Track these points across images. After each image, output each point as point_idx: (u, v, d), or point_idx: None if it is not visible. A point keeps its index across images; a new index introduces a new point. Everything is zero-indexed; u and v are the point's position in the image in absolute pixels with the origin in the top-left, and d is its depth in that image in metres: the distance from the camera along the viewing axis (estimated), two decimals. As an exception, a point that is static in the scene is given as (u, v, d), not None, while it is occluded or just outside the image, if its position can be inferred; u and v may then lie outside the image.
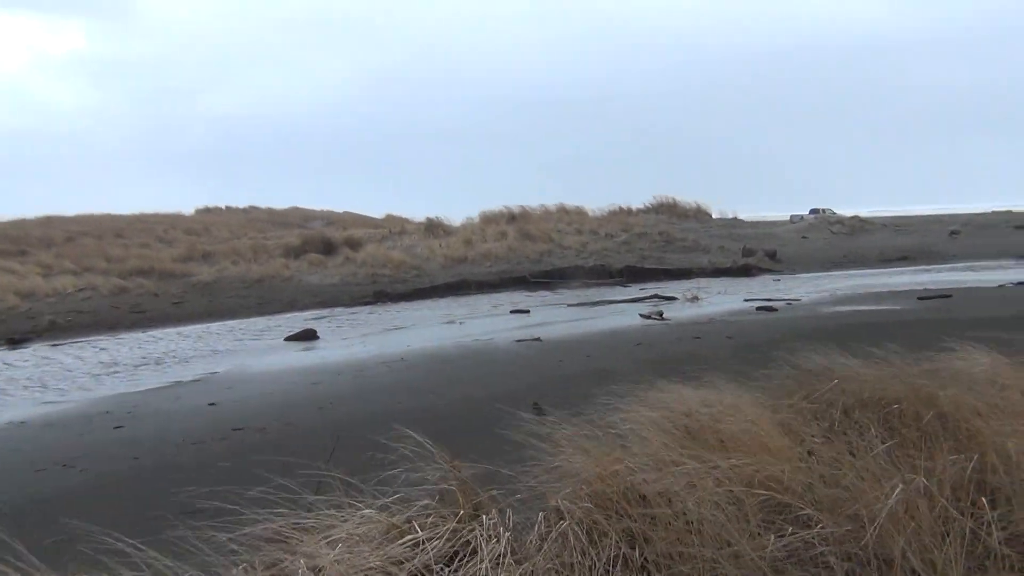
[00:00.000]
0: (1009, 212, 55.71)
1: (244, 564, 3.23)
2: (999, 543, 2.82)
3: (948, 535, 2.83)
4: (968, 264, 28.97)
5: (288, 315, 22.05)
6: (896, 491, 2.86)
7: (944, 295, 17.77)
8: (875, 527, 2.74)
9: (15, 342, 18.82)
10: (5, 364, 15.69)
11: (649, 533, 2.92)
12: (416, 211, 61.43)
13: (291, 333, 17.40)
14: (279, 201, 61.94)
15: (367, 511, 3.27)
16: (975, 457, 3.35)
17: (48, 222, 43.27)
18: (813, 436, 3.74)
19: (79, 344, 18.17)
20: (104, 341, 18.48)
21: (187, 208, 54.09)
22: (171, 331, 19.77)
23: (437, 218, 39.20)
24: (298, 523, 3.37)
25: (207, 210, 54.73)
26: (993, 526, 2.89)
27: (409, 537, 3.04)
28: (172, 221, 46.08)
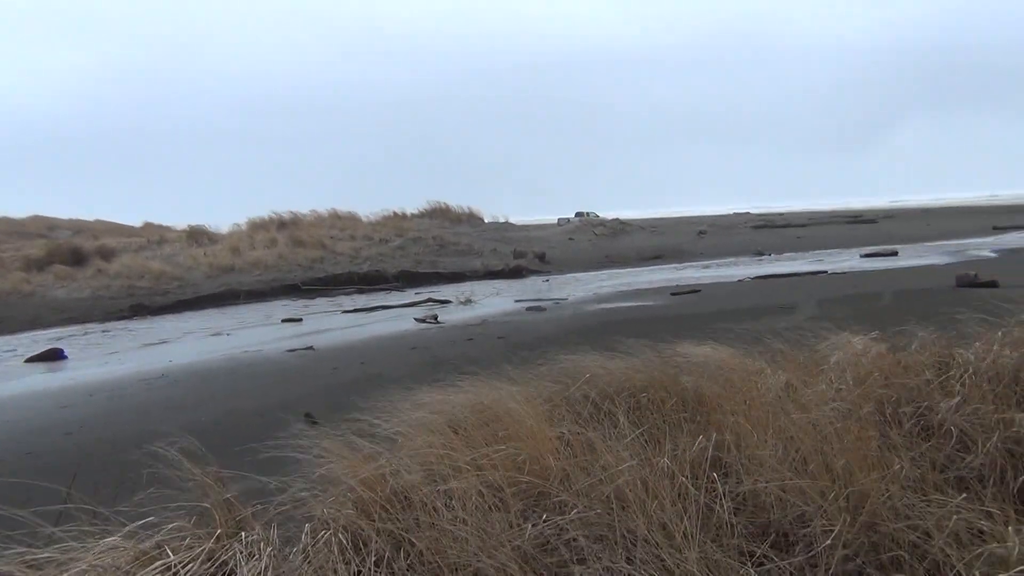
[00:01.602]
0: (747, 214, 61.84)
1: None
2: (728, 513, 3.11)
3: (687, 510, 3.08)
4: (714, 261, 31.76)
5: (29, 334, 20.02)
6: (636, 471, 3.08)
7: (694, 290, 19.37)
8: (622, 507, 2.93)
9: None
10: None
11: (413, 535, 2.95)
12: (178, 219, 58.06)
13: (33, 354, 15.79)
14: (17, 209, 56.05)
15: (112, 539, 3.05)
16: (712, 437, 3.67)
17: None
18: (570, 427, 3.94)
19: None
20: None
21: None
22: None
23: (201, 226, 37.25)
24: (34, 559, 3.07)
25: (-73, 219, 48.53)
26: (724, 499, 3.18)
27: (160, 563, 2.87)
28: None
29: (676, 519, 2.97)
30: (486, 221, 46.56)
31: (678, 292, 19.22)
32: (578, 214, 54.35)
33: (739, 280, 22.24)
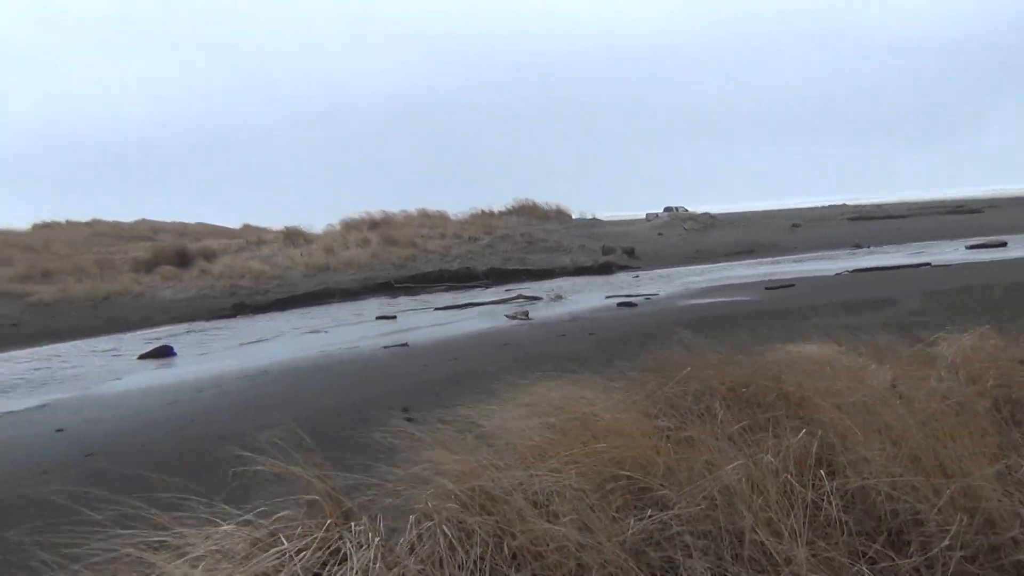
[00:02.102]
0: (843, 205, 59.86)
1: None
2: (837, 511, 3.04)
3: (793, 507, 3.02)
4: (808, 255, 30.92)
5: (141, 332, 21.01)
6: (743, 469, 3.04)
7: (788, 285, 18.90)
8: (727, 504, 2.90)
9: None
10: None
11: (515, 527, 2.98)
12: (274, 220, 59.86)
13: (145, 351, 16.58)
14: (125, 214, 58.74)
15: (227, 527, 3.18)
16: (818, 434, 3.59)
17: None
18: (670, 423, 3.91)
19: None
20: (-68, 370, 17.02)
21: (21, 223, 50.51)
22: (10, 355, 18.44)
23: (297, 227, 38.31)
24: (155, 544, 3.24)
25: (45, 225, 51.28)
26: (832, 496, 3.11)
27: (275, 550, 2.98)
28: (4, 238, 42.91)
29: (783, 516, 2.93)
30: (573, 217, 46.47)
31: (772, 287, 18.79)
32: (667, 209, 53.64)
33: (836, 274, 21.59)
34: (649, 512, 2.95)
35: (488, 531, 2.99)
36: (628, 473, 3.18)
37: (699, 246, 36.28)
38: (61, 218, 53.46)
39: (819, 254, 30.74)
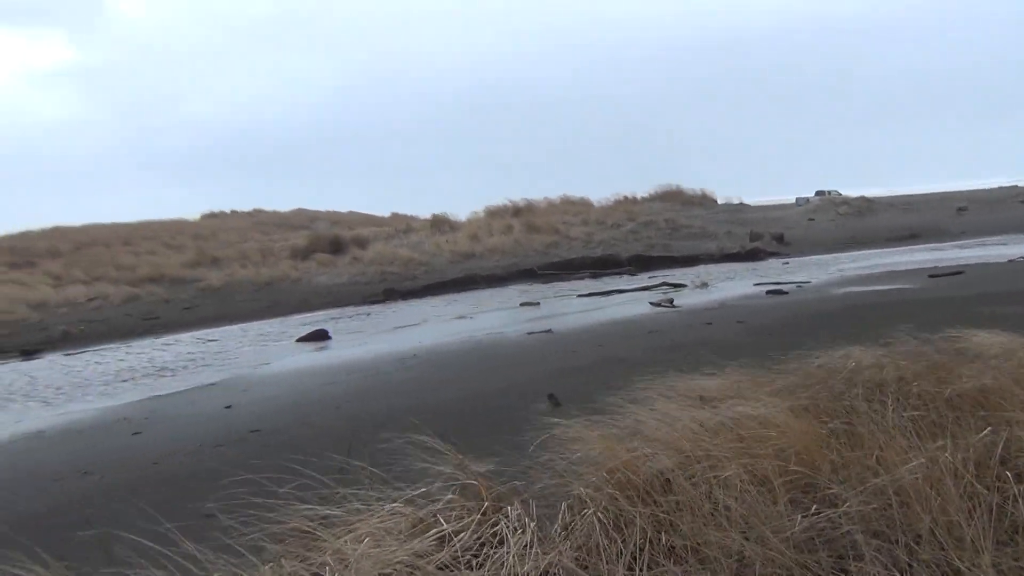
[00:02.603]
0: (1015, 187, 55.36)
1: (272, 561, 3.25)
2: (1025, 516, 2.82)
3: (975, 510, 2.82)
4: (977, 240, 28.87)
5: (299, 316, 22.11)
6: (920, 468, 2.87)
7: (955, 272, 17.72)
8: (901, 503, 2.74)
9: (28, 353, 18.93)
10: (20, 375, 15.79)
11: (675, 519, 2.93)
12: (420, 209, 61.51)
13: (303, 334, 17.45)
14: (283, 204, 61.96)
15: (393, 505, 3.29)
16: (1003, 432, 3.34)
17: (54, 233, 43.37)
18: (834, 417, 3.74)
19: (93, 353, 18.26)
20: (118, 349, 18.57)
21: (191, 214, 54.21)
22: (184, 336, 19.85)
23: (442, 214, 39.22)
24: (324, 518, 3.39)
25: (212, 215, 54.79)
26: (1020, 500, 2.89)
27: (435, 531, 3.06)
28: (178, 227, 46.15)
29: (963, 519, 2.74)
30: (719, 203, 45.33)
31: (937, 274, 17.67)
32: (818, 193, 51.35)
33: (1009, 260, 20.05)
34: (815, 508, 2.84)
35: (646, 520, 2.95)
36: (796, 468, 3.06)
37: (854, 232, 34.57)
38: (226, 208, 57.01)
39: (989, 239, 28.65)
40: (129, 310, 24.21)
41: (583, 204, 42.73)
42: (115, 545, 3.23)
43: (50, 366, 16.80)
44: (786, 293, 17.13)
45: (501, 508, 3.35)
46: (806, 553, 2.67)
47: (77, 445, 9.17)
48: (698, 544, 2.82)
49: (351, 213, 58.79)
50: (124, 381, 13.89)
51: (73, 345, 19.73)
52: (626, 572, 2.79)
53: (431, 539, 3.02)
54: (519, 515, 3.21)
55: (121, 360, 16.62)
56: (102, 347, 19.11)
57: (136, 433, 9.24)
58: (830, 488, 2.95)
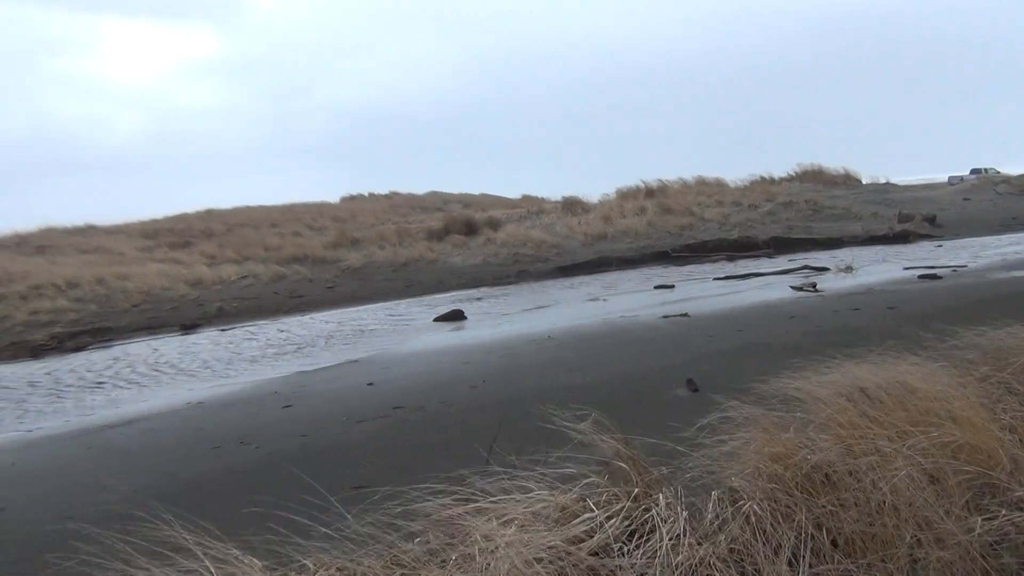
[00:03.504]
0: None
1: (419, 539, 3.31)
2: None
3: None
4: None
5: (435, 296, 22.60)
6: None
7: None
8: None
9: (187, 328, 20.23)
10: (181, 349, 16.88)
11: (839, 514, 2.79)
12: (551, 190, 61.51)
13: (439, 314, 17.81)
14: (418, 186, 63.46)
15: (540, 492, 3.29)
16: None
17: (208, 215, 46.02)
18: (1010, 411, 3.48)
19: (245, 328, 19.30)
20: (267, 325, 19.55)
21: (332, 196, 56.32)
22: (327, 314, 20.67)
23: (574, 196, 39.10)
24: (470, 499, 3.42)
25: (351, 198, 56.73)
26: None
27: (585, 516, 3.03)
28: (319, 210, 48.07)
29: None
30: (864, 183, 43.10)
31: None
32: (973, 171, 48.05)
33: None
34: (1003, 512, 2.64)
35: (807, 517, 2.83)
36: (972, 467, 2.86)
37: (1017, 212, 32.16)
38: (364, 191, 58.94)
39: None
40: (276, 288, 25.41)
41: (718, 185, 41.60)
42: (271, 512, 3.37)
43: (207, 340, 17.87)
44: (940, 278, 16.14)
45: (650, 495, 3.29)
46: (989, 559, 2.49)
47: (233, 415, 9.70)
48: (865, 544, 2.68)
49: (483, 195, 59.58)
50: (273, 356, 14.61)
51: (227, 321, 20.92)
52: (787, 569, 2.69)
53: (580, 525, 3.00)
54: (669, 503, 3.15)
55: (269, 336, 17.49)
56: (252, 323, 20.17)
57: (286, 406, 9.69)
58: (1015, 490, 2.74)
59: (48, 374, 15.41)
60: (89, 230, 39.76)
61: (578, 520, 3.04)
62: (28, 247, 34.20)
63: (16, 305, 22.70)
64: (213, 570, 2.84)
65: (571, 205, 37.82)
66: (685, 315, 13.91)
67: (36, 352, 18.22)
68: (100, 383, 13.74)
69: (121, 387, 13.14)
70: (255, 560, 3.05)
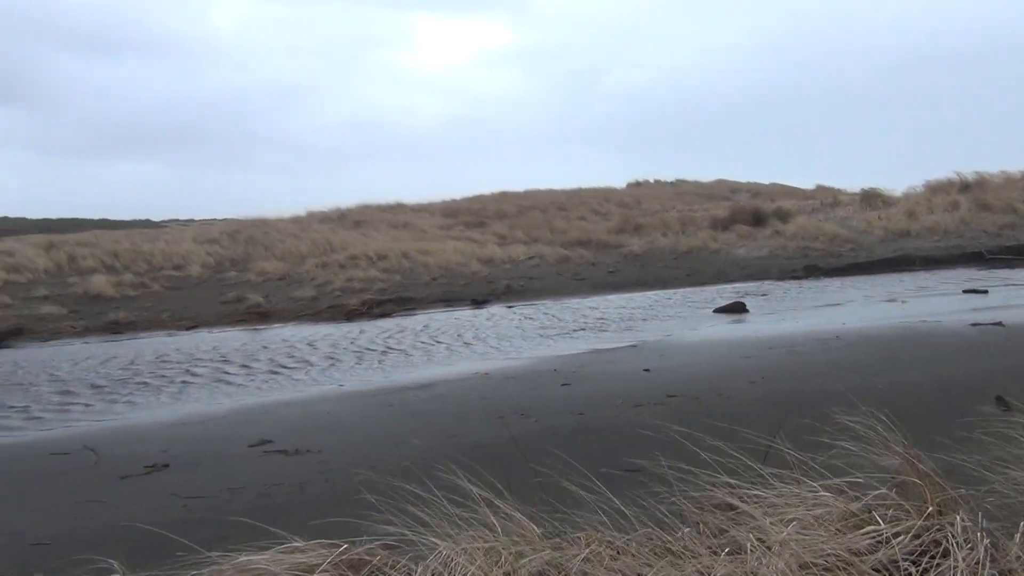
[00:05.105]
0: None
1: (691, 527, 3.34)
2: None
3: None
4: None
5: (716, 287, 22.19)
6: None
7: None
8: None
9: (478, 303, 21.68)
10: (471, 322, 18.09)
11: None
12: (849, 181, 57.73)
13: (720, 305, 17.49)
14: (704, 174, 62.29)
15: (822, 493, 3.17)
16: None
17: (502, 197, 48.54)
18: None
19: (529, 307, 20.25)
20: (550, 305, 20.35)
21: (619, 182, 56.95)
22: (607, 298, 21.10)
23: (874, 188, 36.39)
24: (747, 493, 3.38)
25: (637, 184, 57.03)
26: None
27: (870, 528, 2.89)
28: (605, 195, 48.84)
29: None
30: None
31: None
32: None
33: None
34: None
35: None
36: None
37: None
38: (650, 177, 59.01)
39: None
40: (560, 270, 26.34)
41: (1052, 179, 36.58)
42: (546, 483, 3.56)
43: (494, 316, 18.99)
44: None
45: (944, 516, 3.05)
46: None
47: (515, 388, 10.26)
48: None
49: (773, 184, 57.24)
50: (554, 335, 15.20)
51: (513, 298, 22.08)
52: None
53: (864, 537, 2.86)
54: (966, 528, 2.90)
55: (552, 316, 18.21)
56: (537, 302, 21.11)
57: (565, 384, 10.07)
58: None
59: (359, 335, 17.22)
60: (398, 207, 43.62)
61: (862, 531, 2.90)
62: (347, 221, 38.23)
63: (335, 273, 25.59)
64: (499, 527, 3.08)
65: (870, 198, 35.27)
66: (999, 324, 12.47)
67: (350, 316, 20.42)
68: (399, 348, 15.12)
69: (416, 353, 14.36)
70: (534, 527, 3.25)
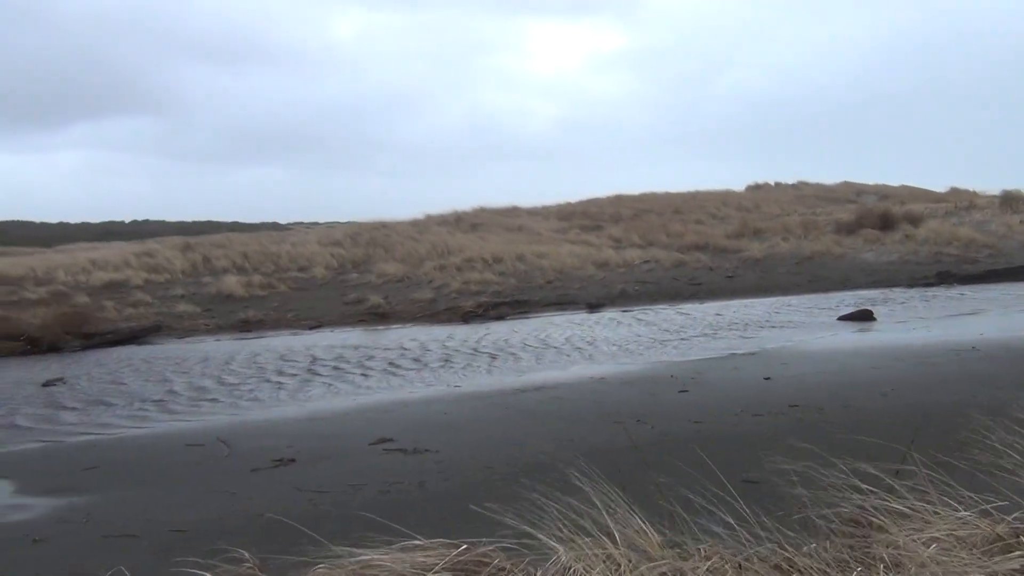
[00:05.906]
0: None
1: (817, 542, 3.21)
2: None
3: None
4: None
5: (840, 294, 21.36)
6: None
7: None
8: None
9: (593, 306, 21.54)
10: (585, 325, 18.02)
11: None
12: (986, 183, 54.50)
13: (845, 312, 16.82)
14: (828, 176, 60.00)
15: (963, 513, 2.99)
16: None
17: (617, 200, 48.14)
18: None
19: (644, 311, 20.02)
20: (666, 310, 20.06)
21: (737, 185, 55.55)
22: (725, 304, 20.63)
23: (1015, 190, 34.27)
24: (882, 506, 3.22)
25: (756, 187, 55.48)
26: None
27: (1018, 553, 2.70)
28: (723, 198, 47.74)
29: None
30: None
31: None
32: None
33: None
34: None
35: None
36: None
37: None
38: (770, 180, 57.30)
39: None
40: (676, 275, 25.91)
41: None
42: (664, 491, 3.49)
43: (609, 320, 18.86)
44: None
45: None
46: None
47: (631, 393, 10.15)
48: None
49: (902, 187, 54.66)
50: (671, 340, 14.96)
51: (628, 303, 21.87)
52: None
53: (1012, 561, 2.67)
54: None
55: (668, 320, 17.93)
56: (652, 307, 20.84)
57: (682, 391, 9.89)
58: None
59: (479, 336, 17.43)
60: (513, 211, 43.92)
61: (1009, 556, 2.71)
62: (464, 224, 38.78)
63: (452, 276, 25.97)
64: (617, 534, 3.04)
65: (1011, 200, 33.23)
66: None
67: (465, 317, 20.69)
68: (514, 350, 15.21)
69: (531, 356, 14.40)
70: (654, 534, 3.19)
